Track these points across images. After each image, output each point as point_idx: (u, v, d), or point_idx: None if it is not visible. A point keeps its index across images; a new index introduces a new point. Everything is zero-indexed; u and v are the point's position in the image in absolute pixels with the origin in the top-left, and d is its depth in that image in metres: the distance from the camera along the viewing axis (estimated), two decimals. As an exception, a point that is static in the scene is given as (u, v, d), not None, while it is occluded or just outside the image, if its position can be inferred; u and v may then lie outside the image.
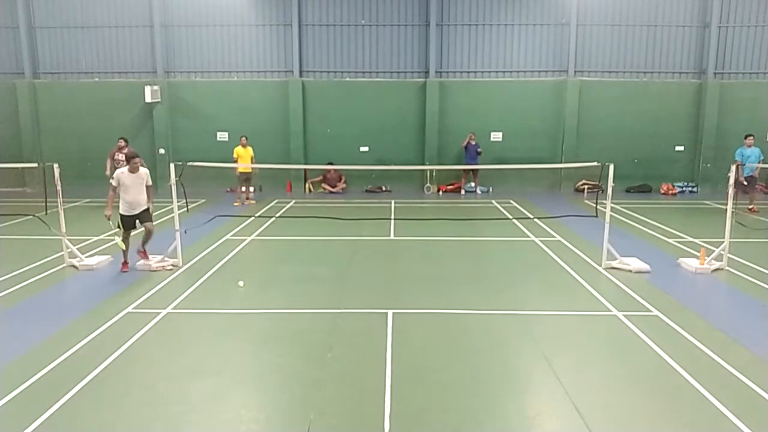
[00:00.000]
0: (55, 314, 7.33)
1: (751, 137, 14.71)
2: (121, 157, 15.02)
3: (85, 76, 18.63)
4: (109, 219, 9.07)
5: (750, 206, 14.31)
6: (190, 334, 6.74)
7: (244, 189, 16.03)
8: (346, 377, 5.63)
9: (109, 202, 9.04)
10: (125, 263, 9.26)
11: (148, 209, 9.25)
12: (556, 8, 18.04)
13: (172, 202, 9.55)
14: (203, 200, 15.95)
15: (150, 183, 9.29)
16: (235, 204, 15.73)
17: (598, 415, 4.90)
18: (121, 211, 9.03)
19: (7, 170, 17.47)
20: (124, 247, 9.11)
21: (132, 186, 8.94)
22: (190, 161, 10.09)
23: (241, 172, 15.83)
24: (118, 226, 9.20)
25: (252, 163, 15.70)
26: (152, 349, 6.28)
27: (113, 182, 8.96)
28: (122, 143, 15.05)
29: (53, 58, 18.63)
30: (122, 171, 8.96)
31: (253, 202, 16.13)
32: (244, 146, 15.86)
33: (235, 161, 15.77)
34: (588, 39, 18.19)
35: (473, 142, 17.65)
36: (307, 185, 18.48)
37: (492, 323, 7.04)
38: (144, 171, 9.13)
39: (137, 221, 9.20)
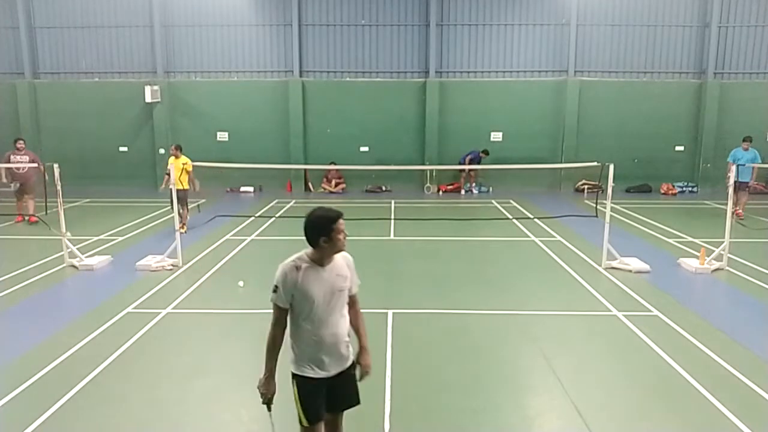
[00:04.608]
0: (55, 314, 7.34)
1: (748, 140, 13.74)
2: (17, 158, 12.39)
3: (85, 76, 18.63)
4: (270, 401, 3.65)
5: (735, 209, 13.35)
6: (190, 334, 6.74)
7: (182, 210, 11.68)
8: (346, 377, 5.61)
9: (274, 351, 3.56)
10: None
11: (354, 366, 3.74)
12: (556, 8, 18.03)
13: (172, 203, 9.56)
14: (203, 200, 15.94)
15: (356, 289, 3.87)
16: (180, 230, 10.27)
17: (598, 415, 4.90)
18: (295, 369, 3.64)
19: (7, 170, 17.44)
20: None
21: (325, 296, 3.50)
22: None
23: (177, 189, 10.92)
24: (301, 418, 3.64)
25: (189, 177, 11.81)
26: (152, 349, 6.28)
27: (279, 300, 3.49)
28: (21, 144, 12.47)
29: (53, 58, 18.63)
30: (299, 261, 3.61)
31: (183, 231, 11.33)
32: (176, 156, 11.75)
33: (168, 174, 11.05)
34: (588, 39, 18.19)
35: (472, 156, 17.55)
36: (309, 184, 18.51)
37: (492, 323, 7.04)
38: (346, 259, 3.73)
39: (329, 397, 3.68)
